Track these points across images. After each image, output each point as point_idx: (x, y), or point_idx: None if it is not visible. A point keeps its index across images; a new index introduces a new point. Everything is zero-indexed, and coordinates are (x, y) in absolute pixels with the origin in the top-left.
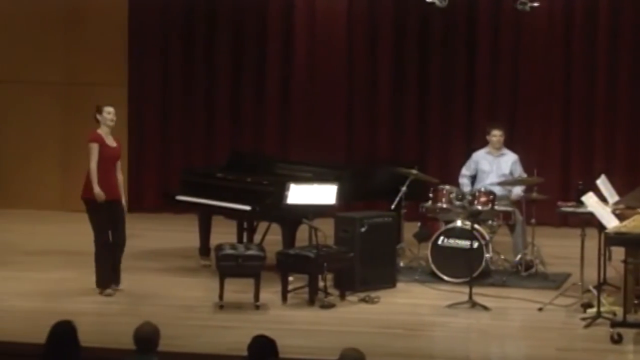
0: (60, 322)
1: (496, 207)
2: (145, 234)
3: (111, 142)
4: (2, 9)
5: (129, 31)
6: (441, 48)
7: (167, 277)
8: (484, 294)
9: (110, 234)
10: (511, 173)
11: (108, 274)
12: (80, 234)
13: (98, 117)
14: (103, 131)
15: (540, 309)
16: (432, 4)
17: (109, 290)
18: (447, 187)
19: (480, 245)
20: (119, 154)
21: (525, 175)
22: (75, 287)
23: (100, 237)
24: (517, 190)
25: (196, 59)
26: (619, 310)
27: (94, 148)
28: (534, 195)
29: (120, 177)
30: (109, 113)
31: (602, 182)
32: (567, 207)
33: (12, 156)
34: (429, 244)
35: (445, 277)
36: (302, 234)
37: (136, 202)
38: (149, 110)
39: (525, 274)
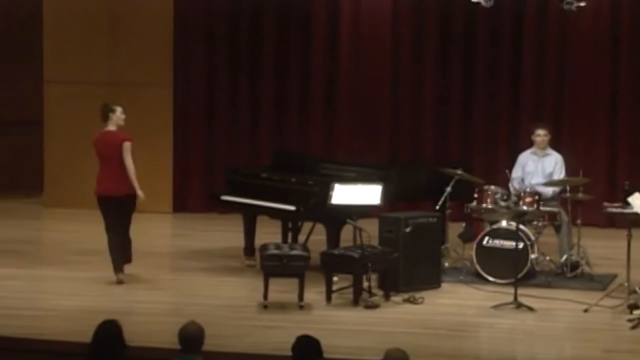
0: (106, 322)
1: (542, 208)
2: (190, 234)
3: None
4: (50, 11)
5: (174, 32)
6: (487, 48)
7: (212, 277)
8: (529, 295)
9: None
10: (551, 173)
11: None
12: None
13: (111, 115)
14: (113, 130)
15: (585, 310)
16: (478, 4)
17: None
18: (492, 187)
19: (525, 246)
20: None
21: (564, 176)
22: (122, 286)
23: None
24: (548, 189)
25: (241, 59)
26: None
27: (130, 147)
28: (580, 195)
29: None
30: (121, 113)
31: None
32: (613, 208)
33: (60, 156)
34: (474, 245)
35: (490, 278)
36: (347, 234)
37: (181, 202)
38: (194, 111)
39: (571, 274)
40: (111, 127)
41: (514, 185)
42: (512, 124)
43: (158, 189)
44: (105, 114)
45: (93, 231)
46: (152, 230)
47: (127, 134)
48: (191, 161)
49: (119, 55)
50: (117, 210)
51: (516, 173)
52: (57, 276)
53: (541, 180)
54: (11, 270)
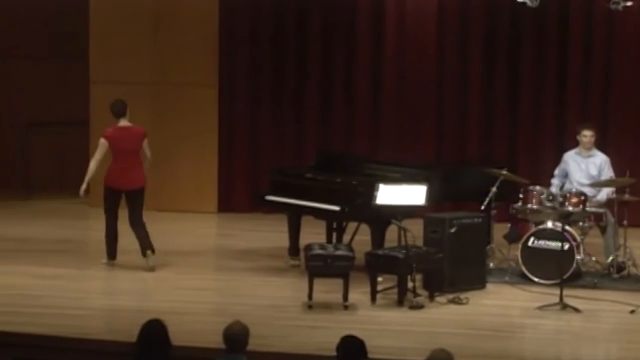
0: (151, 321)
1: (587, 209)
2: (235, 234)
3: None
4: (96, 12)
5: (220, 32)
6: (532, 47)
7: (256, 276)
8: (574, 296)
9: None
10: (599, 174)
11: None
12: (172, 233)
13: (127, 111)
14: (130, 125)
15: (632, 312)
16: (524, 4)
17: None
18: (538, 188)
19: (571, 247)
20: None
21: (612, 177)
22: (167, 286)
23: None
24: (603, 194)
25: (286, 59)
26: None
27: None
28: (626, 196)
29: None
30: None
31: None
32: None
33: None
34: (519, 245)
35: (536, 279)
36: (391, 234)
37: (226, 202)
38: (239, 111)
39: (617, 275)
40: (127, 123)
41: (553, 181)
42: (558, 124)
43: (203, 189)
44: (124, 109)
45: None
46: (197, 230)
47: (143, 128)
48: (236, 161)
49: (165, 55)
50: (135, 200)
51: (560, 172)
52: (103, 276)
53: (584, 180)
54: (58, 269)
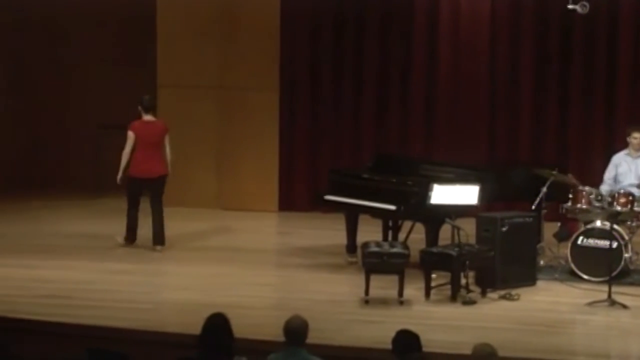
0: (215, 314)
1: (635, 208)
2: (295, 231)
3: None
4: (163, 18)
5: (281, 37)
6: (582, 52)
7: (315, 273)
8: (623, 293)
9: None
10: None
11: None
12: (235, 230)
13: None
14: (155, 119)
15: None
16: (574, 10)
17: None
18: (587, 188)
19: (619, 245)
20: None
21: None
22: (230, 281)
23: None
24: None
25: (344, 63)
26: None
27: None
28: None
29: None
30: None
31: None
32: None
33: (173, 156)
34: (569, 244)
35: (585, 276)
36: (445, 233)
37: (287, 201)
38: (299, 113)
39: None
40: (151, 118)
41: (604, 187)
42: (608, 125)
43: (265, 189)
44: (152, 105)
45: (203, 228)
46: (259, 228)
47: (165, 124)
48: (296, 162)
49: (228, 59)
50: (157, 188)
51: (609, 173)
52: (169, 271)
53: (634, 181)
54: (128, 265)
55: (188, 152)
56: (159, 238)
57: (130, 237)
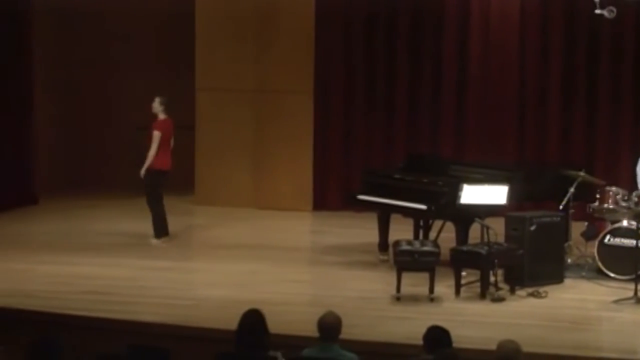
0: (250, 311)
1: None
2: (329, 230)
3: None
4: (202, 23)
5: (315, 41)
6: (609, 55)
7: (348, 270)
8: None
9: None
10: None
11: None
12: (270, 229)
13: (163, 107)
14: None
15: None
16: (601, 15)
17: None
18: (614, 188)
19: None
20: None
21: None
22: (265, 278)
23: None
24: None
25: (376, 65)
26: None
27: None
28: None
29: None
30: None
31: None
32: None
33: (209, 158)
34: (596, 243)
35: (611, 274)
36: (475, 232)
37: (321, 201)
38: (333, 117)
39: None
40: (165, 116)
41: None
42: (635, 127)
43: (299, 189)
44: (168, 105)
45: (239, 227)
46: (293, 227)
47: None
48: (330, 163)
49: (265, 64)
50: (167, 180)
51: (639, 174)
52: (207, 268)
53: None
54: (167, 262)
55: (225, 153)
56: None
57: (166, 231)
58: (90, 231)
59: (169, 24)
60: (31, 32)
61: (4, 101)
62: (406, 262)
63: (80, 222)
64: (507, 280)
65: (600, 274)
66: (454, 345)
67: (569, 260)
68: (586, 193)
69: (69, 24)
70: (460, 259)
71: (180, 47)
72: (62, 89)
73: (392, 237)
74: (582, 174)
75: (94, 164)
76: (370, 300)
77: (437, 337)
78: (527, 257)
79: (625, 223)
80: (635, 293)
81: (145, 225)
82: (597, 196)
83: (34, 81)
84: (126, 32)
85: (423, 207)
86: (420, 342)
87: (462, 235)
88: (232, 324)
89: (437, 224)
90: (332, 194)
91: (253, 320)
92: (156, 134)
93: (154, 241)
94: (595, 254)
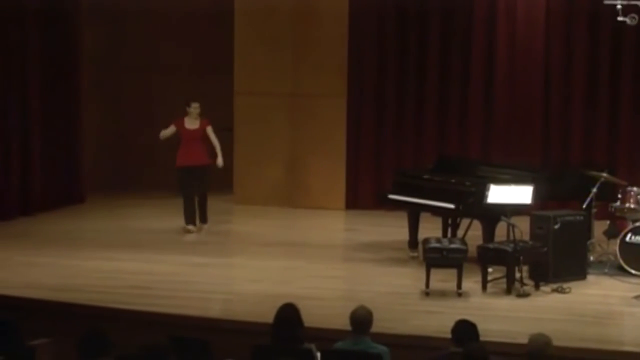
0: (286, 305)
1: None
2: (361, 228)
3: (190, 125)
4: (240, 29)
5: (349, 46)
6: (632, 60)
7: (379, 267)
8: None
9: (192, 187)
10: None
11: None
12: (305, 228)
13: (187, 109)
14: (187, 118)
15: None
16: (624, 22)
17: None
18: (635, 189)
19: None
20: (198, 134)
21: None
22: (300, 274)
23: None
24: None
25: (407, 68)
26: None
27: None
28: None
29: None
30: (195, 108)
31: None
32: None
33: (247, 159)
34: (618, 241)
35: (633, 271)
36: (501, 230)
37: (353, 200)
38: (365, 119)
39: None
40: (188, 116)
41: None
42: None
43: (332, 189)
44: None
45: (275, 224)
46: (327, 225)
47: (206, 119)
48: (362, 163)
49: (301, 68)
50: (200, 175)
51: None
52: (244, 264)
53: None
54: (206, 258)
55: (262, 155)
56: (204, 218)
57: (193, 219)
58: (135, 228)
59: (209, 27)
60: (79, 33)
61: (53, 102)
62: (435, 258)
63: (125, 220)
64: (532, 276)
65: (621, 271)
66: (481, 338)
67: (592, 258)
68: (608, 193)
69: (115, 25)
70: (487, 256)
71: (219, 51)
72: (108, 89)
73: (422, 234)
74: (604, 174)
75: (137, 164)
76: (400, 295)
77: (465, 330)
78: (552, 255)
79: None
80: None
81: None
82: (619, 196)
83: (82, 82)
84: (169, 34)
85: (451, 206)
86: (449, 335)
87: (488, 233)
88: (269, 317)
89: (465, 222)
90: (364, 193)
91: (288, 314)
92: (211, 129)
93: (189, 227)
94: (617, 252)
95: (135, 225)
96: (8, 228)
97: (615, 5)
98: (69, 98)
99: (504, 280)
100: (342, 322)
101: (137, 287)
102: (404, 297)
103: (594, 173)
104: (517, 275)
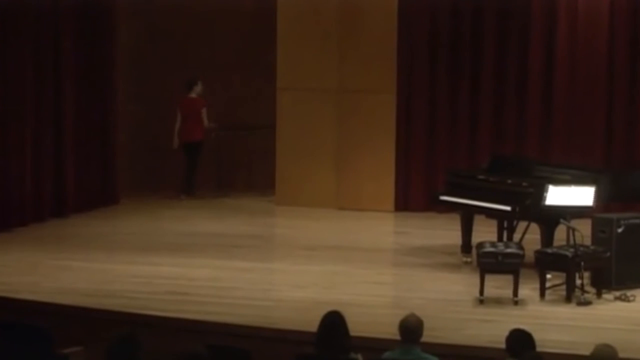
0: (331, 312)
1: None
2: (411, 231)
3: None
4: (283, 23)
5: (398, 41)
6: None
7: (431, 272)
8: None
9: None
10: None
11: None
12: (352, 230)
13: (195, 87)
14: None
15: None
16: None
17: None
18: None
19: None
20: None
21: None
22: (346, 280)
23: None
24: None
25: (461, 64)
26: None
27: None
28: None
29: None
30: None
31: None
32: None
33: (291, 157)
34: None
35: None
36: (561, 233)
37: (403, 201)
38: (415, 116)
39: None
40: (193, 95)
41: None
42: None
43: (381, 189)
44: (191, 85)
45: (321, 227)
46: (375, 228)
47: (203, 100)
48: (412, 163)
49: (347, 62)
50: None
51: None
52: (287, 269)
53: None
54: (247, 263)
55: (306, 153)
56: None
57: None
58: (170, 231)
59: (250, 23)
60: (115, 31)
61: (87, 101)
62: (490, 264)
63: (160, 222)
64: (593, 283)
65: None
66: (538, 349)
67: None
68: None
69: (151, 22)
70: (546, 261)
71: (259, 46)
72: (144, 87)
73: (476, 238)
74: None
75: (173, 165)
76: (452, 302)
77: (520, 340)
78: (615, 260)
79: None
80: None
81: (225, 225)
82: None
83: (118, 79)
84: (207, 30)
85: (507, 208)
86: (504, 345)
87: (547, 237)
88: (313, 325)
89: (522, 225)
90: (414, 195)
91: (334, 321)
92: (204, 113)
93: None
94: None
95: (171, 228)
96: (40, 230)
97: None
98: (104, 96)
99: (564, 287)
100: (390, 331)
101: (174, 292)
102: (456, 305)
103: None
104: (578, 282)
